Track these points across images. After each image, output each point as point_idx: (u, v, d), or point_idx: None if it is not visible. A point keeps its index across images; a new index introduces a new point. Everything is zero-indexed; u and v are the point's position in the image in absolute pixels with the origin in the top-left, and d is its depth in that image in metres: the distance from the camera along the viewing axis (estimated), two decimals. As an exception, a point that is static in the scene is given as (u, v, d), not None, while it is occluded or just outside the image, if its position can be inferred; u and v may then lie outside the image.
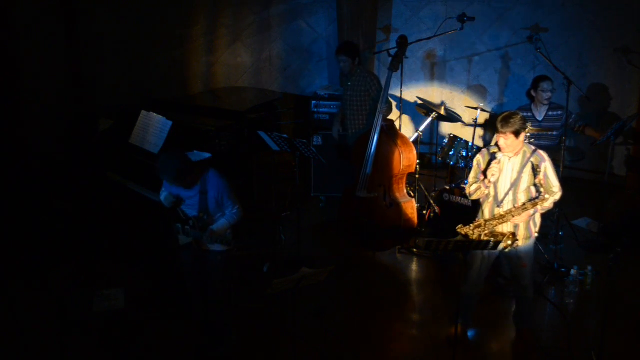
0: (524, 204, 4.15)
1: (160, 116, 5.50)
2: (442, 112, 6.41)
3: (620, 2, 7.03)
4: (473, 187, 4.29)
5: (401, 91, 6.55)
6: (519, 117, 4.07)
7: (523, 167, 4.16)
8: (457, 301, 4.29)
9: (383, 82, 6.00)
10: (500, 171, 4.18)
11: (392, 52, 5.81)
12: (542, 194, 4.11)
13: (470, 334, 4.63)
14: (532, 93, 5.90)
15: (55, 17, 6.39)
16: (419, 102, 6.76)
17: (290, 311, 4.76)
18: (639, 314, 4.88)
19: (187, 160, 4.07)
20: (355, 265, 5.67)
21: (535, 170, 4.10)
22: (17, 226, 5.72)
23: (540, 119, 5.86)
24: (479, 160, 4.32)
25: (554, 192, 4.21)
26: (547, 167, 4.17)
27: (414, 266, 5.72)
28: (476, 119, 6.25)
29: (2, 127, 6.00)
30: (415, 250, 5.86)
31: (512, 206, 4.18)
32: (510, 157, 4.18)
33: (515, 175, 4.18)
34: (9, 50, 5.98)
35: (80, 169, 5.85)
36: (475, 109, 6.26)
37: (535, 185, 4.14)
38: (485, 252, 4.23)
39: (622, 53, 7.03)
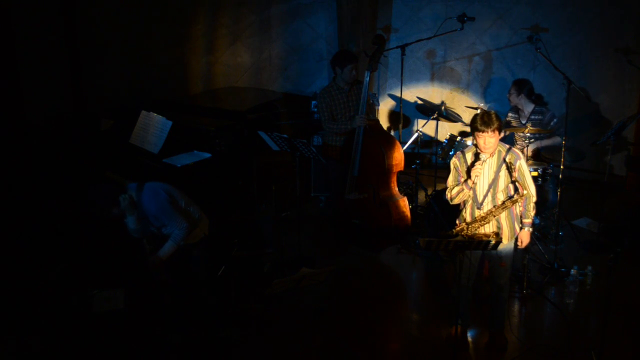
0: (503, 202, 4.15)
1: (160, 116, 5.50)
2: (442, 112, 6.42)
3: (620, 2, 7.03)
4: (454, 191, 4.26)
5: (401, 91, 6.56)
6: (495, 114, 4.07)
7: (499, 166, 4.15)
8: (456, 301, 4.29)
9: (376, 85, 5.93)
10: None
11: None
12: (520, 190, 4.11)
13: (470, 334, 4.64)
14: None
15: (55, 16, 6.39)
16: (419, 102, 6.76)
17: (290, 311, 4.78)
18: (639, 313, 4.88)
19: (106, 195, 4.14)
20: (355, 265, 5.67)
21: (510, 168, 4.10)
22: (17, 226, 5.72)
23: (523, 121, 5.94)
24: (456, 163, 4.29)
25: (530, 194, 4.23)
26: (522, 165, 4.17)
27: (415, 266, 5.72)
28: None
29: (1, 128, 6.00)
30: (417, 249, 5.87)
31: (492, 206, 4.19)
32: (487, 158, 4.17)
33: (492, 175, 4.17)
34: (9, 50, 5.98)
35: (80, 168, 5.85)
36: (475, 109, 6.26)
37: (513, 183, 4.14)
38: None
39: (622, 53, 7.03)
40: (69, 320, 4.71)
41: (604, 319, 4.02)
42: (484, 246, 3.94)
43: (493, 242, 3.90)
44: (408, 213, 5.78)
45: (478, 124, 4.02)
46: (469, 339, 4.60)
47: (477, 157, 4.15)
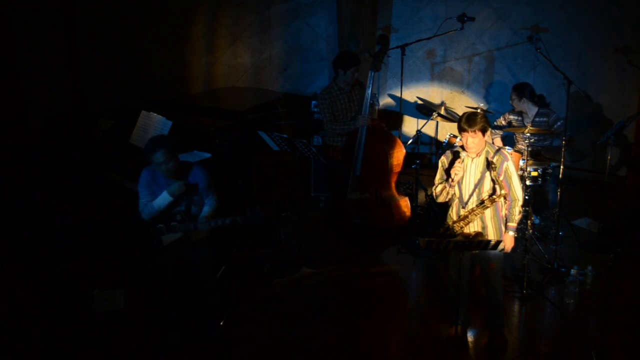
0: (482, 201, 4.16)
1: (160, 116, 5.50)
2: (442, 112, 6.42)
3: (619, 2, 7.04)
4: (439, 189, 4.29)
5: (401, 91, 6.56)
6: (481, 114, 4.08)
7: (486, 167, 4.16)
8: (454, 301, 4.29)
9: (376, 85, 5.91)
10: (464, 171, 4.18)
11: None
12: (497, 190, 4.09)
13: (470, 334, 4.64)
14: None
15: (55, 17, 6.39)
16: (419, 102, 6.77)
17: (290, 311, 4.78)
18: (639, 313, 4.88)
19: (174, 141, 4.16)
20: (355, 265, 5.67)
21: (490, 167, 4.08)
22: (17, 226, 5.72)
23: (526, 123, 5.95)
24: (444, 161, 4.31)
25: (515, 198, 4.21)
26: (509, 167, 4.16)
27: (415, 266, 5.72)
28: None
29: (1, 128, 6.00)
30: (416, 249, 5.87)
31: (474, 206, 4.19)
32: (473, 158, 4.17)
33: (479, 176, 4.17)
34: (9, 51, 5.98)
35: (79, 169, 5.85)
36: (475, 109, 6.25)
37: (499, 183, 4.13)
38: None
39: (622, 53, 7.04)
40: (69, 320, 4.72)
41: (604, 319, 4.02)
42: (484, 246, 3.94)
43: (493, 242, 3.90)
44: (409, 213, 5.78)
45: (462, 122, 4.06)
46: (469, 339, 4.60)
47: (455, 155, 4.17)
